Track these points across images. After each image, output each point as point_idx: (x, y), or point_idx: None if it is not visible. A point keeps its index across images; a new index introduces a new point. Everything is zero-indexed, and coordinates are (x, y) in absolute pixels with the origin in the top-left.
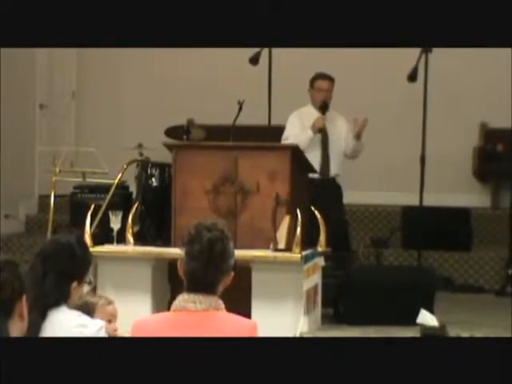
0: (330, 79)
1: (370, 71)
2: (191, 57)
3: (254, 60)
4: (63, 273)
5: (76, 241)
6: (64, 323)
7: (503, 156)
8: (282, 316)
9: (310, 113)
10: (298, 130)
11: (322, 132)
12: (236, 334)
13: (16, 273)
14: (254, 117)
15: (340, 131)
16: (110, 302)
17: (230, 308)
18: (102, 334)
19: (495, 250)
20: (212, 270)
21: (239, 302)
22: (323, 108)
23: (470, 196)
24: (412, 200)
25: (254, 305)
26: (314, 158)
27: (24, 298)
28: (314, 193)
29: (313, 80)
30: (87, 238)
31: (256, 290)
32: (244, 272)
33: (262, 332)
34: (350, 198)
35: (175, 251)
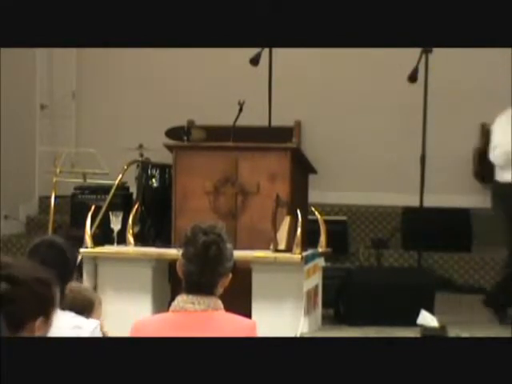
0: None
1: (370, 71)
2: (191, 57)
3: (255, 61)
4: (61, 278)
5: (66, 243)
6: (60, 325)
7: None
8: (282, 317)
9: None
10: (508, 136)
11: None
12: (235, 334)
13: (38, 294)
14: (254, 118)
15: None
16: (100, 302)
17: (231, 309)
18: (97, 333)
19: (495, 251)
20: (208, 273)
21: (239, 303)
22: None
23: (471, 197)
24: (412, 201)
25: (254, 306)
26: None
27: (40, 320)
28: None
29: None
30: (88, 239)
31: (256, 291)
32: (244, 273)
33: (262, 333)
34: (350, 198)
35: (175, 252)
